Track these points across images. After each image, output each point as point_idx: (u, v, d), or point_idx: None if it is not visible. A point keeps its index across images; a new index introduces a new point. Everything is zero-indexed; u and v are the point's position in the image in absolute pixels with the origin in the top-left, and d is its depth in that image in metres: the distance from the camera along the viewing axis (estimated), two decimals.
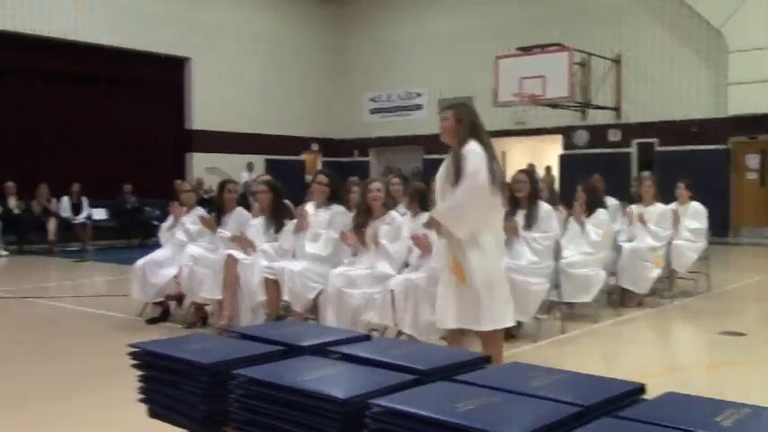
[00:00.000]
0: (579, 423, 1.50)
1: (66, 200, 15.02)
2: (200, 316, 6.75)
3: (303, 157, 21.31)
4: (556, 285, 6.30)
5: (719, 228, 12.39)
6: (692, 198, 8.61)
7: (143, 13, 17.32)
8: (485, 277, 4.27)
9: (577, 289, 6.62)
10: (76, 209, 15.09)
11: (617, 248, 7.56)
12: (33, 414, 4.20)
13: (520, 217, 6.22)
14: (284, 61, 20.49)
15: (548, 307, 6.48)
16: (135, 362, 1.91)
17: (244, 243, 6.33)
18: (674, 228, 8.19)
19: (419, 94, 20.39)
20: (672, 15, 16.64)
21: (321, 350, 1.93)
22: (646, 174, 9.86)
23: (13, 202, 14.29)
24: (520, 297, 5.94)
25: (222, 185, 7.15)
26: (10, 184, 14.30)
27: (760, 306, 8.47)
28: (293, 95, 20.60)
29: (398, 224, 5.92)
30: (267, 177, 6.94)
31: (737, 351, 5.93)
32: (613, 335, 6.78)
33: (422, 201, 6.50)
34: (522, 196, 6.28)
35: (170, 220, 7.36)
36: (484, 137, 4.31)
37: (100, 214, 15.71)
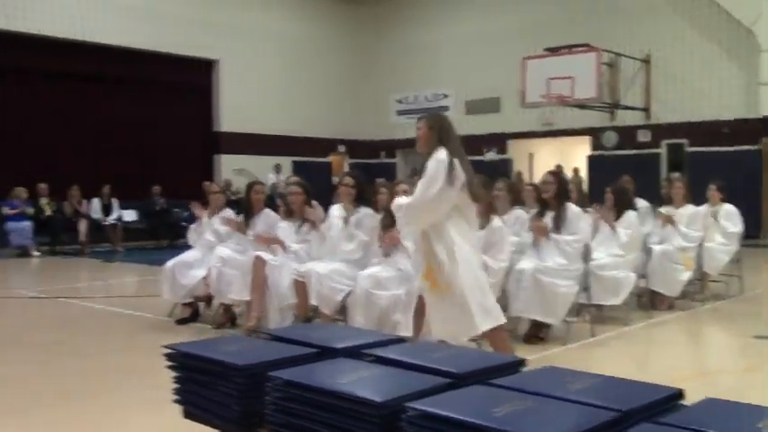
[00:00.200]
0: (618, 429, 1.48)
1: (96, 201, 15.22)
2: (229, 317, 6.80)
3: (330, 158, 21.37)
4: (585, 288, 6.25)
5: (751, 230, 12.18)
6: (724, 200, 8.50)
7: (173, 16, 17.48)
8: (464, 280, 4.32)
9: (607, 291, 6.56)
10: (107, 210, 15.28)
11: (647, 250, 7.47)
12: (65, 412, 4.26)
13: (548, 219, 6.18)
14: (311, 63, 20.56)
15: (577, 309, 6.43)
16: (170, 363, 1.92)
17: (273, 243, 6.35)
18: (708, 230, 8.08)
19: (446, 96, 20.33)
20: (701, 14, 16.43)
21: (355, 353, 1.93)
22: (676, 175, 9.77)
23: (45, 204, 14.51)
24: (548, 299, 5.92)
25: (249, 187, 7.18)
26: (42, 186, 14.52)
27: None
28: (320, 97, 20.66)
29: None
30: (298, 179, 6.95)
31: None
32: (644, 338, 6.70)
33: None
34: (548, 197, 6.24)
35: (198, 221, 7.42)
36: (453, 144, 4.42)
37: (130, 216, 15.90)
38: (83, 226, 14.48)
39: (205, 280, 6.71)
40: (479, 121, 19.39)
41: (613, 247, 6.84)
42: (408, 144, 21.13)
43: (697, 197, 8.44)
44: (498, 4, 19.25)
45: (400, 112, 21.34)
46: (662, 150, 17.11)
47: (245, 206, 7.11)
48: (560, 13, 17.99)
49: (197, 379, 1.87)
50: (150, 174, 16.65)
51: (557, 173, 7.07)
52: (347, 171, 15.73)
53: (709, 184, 8.62)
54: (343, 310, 5.82)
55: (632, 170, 10.73)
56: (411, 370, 1.79)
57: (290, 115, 19.79)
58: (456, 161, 4.33)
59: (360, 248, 5.99)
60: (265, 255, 6.21)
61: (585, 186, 16.76)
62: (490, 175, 6.75)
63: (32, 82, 15.55)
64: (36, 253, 13.75)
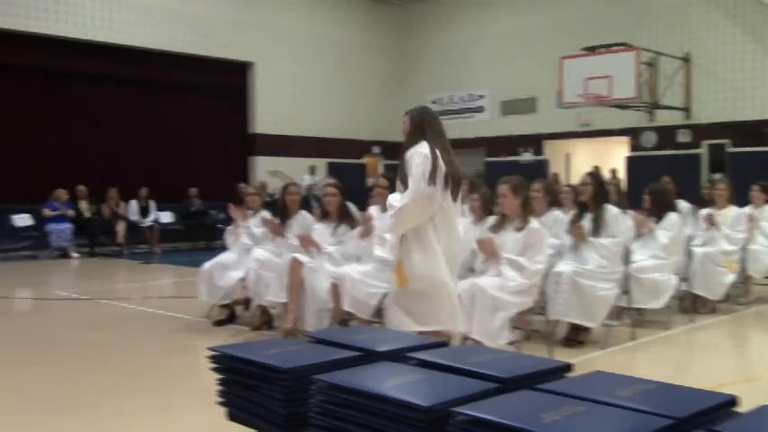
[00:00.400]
0: None
1: (134, 203, 15.41)
2: (266, 319, 6.82)
3: (364, 160, 21.39)
4: (625, 291, 6.14)
5: None
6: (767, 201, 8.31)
7: (209, 20, 17.66)
8: (426, 279, 4.33)
9: (647, 294, 6.44)
10: (144, 212, 15.47)
11: (689, 253, 7.33)
12: (108, 412, 4.29)
13: (587, 221, 6.09)
14: (345, 64, 20.62)
15: (617, 313, 6.33)
16: (214, 365, 1.92)
17: (310, 244, 6.35)
18: (751, 231, 7.90)
19: (481, 96, 20.23)
20: (743, 11, 16.12)
21: (398, 356, 1.91)
22: (719, 176, 9.57)
23: (84, 206, 14.74)
24: (587, 302, 5.83)
25: (284, 188, 7.20)
26: (81, 188, 14.76)
27: None
28: (354, 98, 20.71)
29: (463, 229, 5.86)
30: (335, 181, 6.94)
31: None
32: (686, 342, 6.58)
33: (486, 205, 6.46)
34: (586, 199, 6.15)
35: (235, 223, 7.46)
36: (436, 137, 4.38)
37: (166, 217, 16.08)
38: (121, 228, 14.67)
39: (243, 282, 6.74)
40: (515, 122, 19.26)
41: (655, 249, 6.71)
42: None
43: (739, 198, 8.27)
44: (535, 3, 19.11)
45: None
46: (703, 151, 16.81)
47: (279, 208, 7.12)
48: (597, 12, 17.80)
49: (241, 381, 1.86)
50: (186, 176, 16.84)
51: (595, 174, 6.97)
52: (382, 172, 15.74)
53: (751, 185, 8.44)
54: (378, 312, 5.79)
55: (672, 171, 10.51)
56: (456, 374, 1.77)
57: (325, 117, 19.87)
58: (438, 153, 4.30)
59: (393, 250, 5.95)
60: (302, 257, 6.21)
61: (624, 187, 16.54)
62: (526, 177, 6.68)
63: (74, 85, 15.82)
64: (75, 254, 13.96)
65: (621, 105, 16.19)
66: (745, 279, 7.98)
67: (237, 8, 18.29)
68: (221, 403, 1.93)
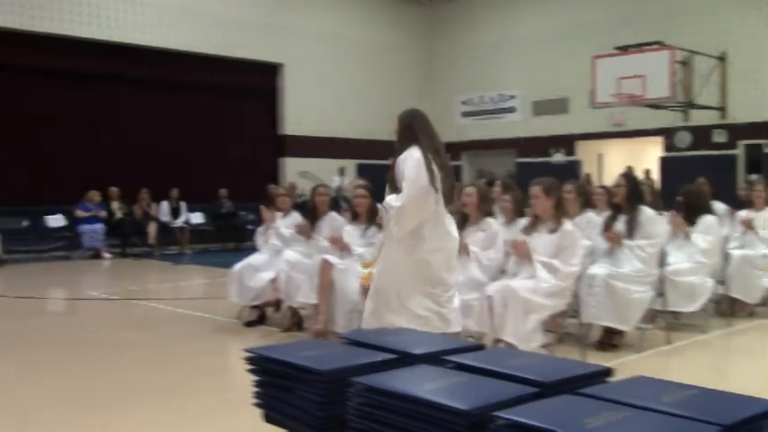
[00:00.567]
0: None
1: (165, 204, 15.55)
2: (296, 320, 6.83)
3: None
4: (660, 294, 6.05)
5: None
6: None
7: (239, 21, 17.76)
8: (389, 279, 4.28)
9: (683, 297, 6.33)
10: (175, 213, 15.61)
11: (726, 256, 7.19)
12: (142, 411, 4.32)
13: (621, 223, 6.00)
14: (375, 65, 20.61)
15: (652, 316, 6.23)
16: (250, 366, 1.91)
17: (340, 246, 6.34)
18: None
19: (512, 97, 20.08)
20: None
21: (435, 359, 1.89)
22: (757, 177, 9.38)
23: (116, 207, 14.91)
24: (620, 305, 5.75)
25: (313, 190, 7.21)
26: (113, 190, 14.93)
27: None
28: (384, 99, 20.66)
29: (494, 231, 5.84)
30: (365, 182, 6.93)
31: None
32: (722, 346, 6.45)
33: (518, 207, 6.41)
34: (618, 200, 6.07)
35: (265, 224, 7.48)
36: (428, 140, 4.35)
37: (197, 218, 16.20)
38: (152, 228, 14.81)
39: (273, 284, 6.75)
40: (547, 123, 19.10)
41: (692, 251, 6.60)
42: (474, 146, 21.01)
43: None
44: (565, 2, 18.93)
45: (466, 114, 21.18)
46: (739, 151, 16.51)
47: (309, 209, 7.12)
48: (630, 11, 17.58)
49: (277, 383, 1.85)
50: (217, 177, 16.94)
51: (628, 174, 6.88)
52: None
53: None
54: None
55: (707, 172, 10.37)
56: (494, 377, 1.74)
57: (354, 118, 19.87)
58: (430, 156, 4.26)
59: None
60: (332, 258, 6.21)
61: (657, 188, 16.31)
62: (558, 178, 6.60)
63: (106, 87, 16.00)
64: (107, 255, 14.12)
65: (655, 105, 15.96)
66: None
67: (268, 10, 18.38)
68: (257, 404, 1.92)
